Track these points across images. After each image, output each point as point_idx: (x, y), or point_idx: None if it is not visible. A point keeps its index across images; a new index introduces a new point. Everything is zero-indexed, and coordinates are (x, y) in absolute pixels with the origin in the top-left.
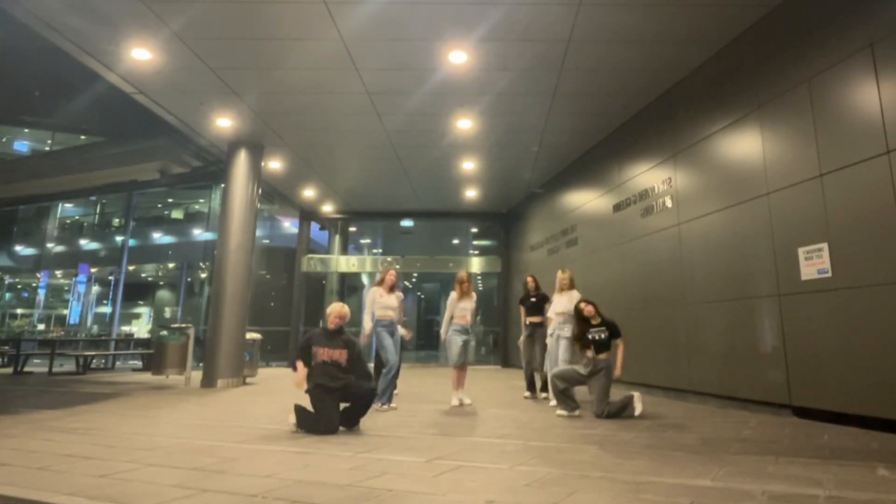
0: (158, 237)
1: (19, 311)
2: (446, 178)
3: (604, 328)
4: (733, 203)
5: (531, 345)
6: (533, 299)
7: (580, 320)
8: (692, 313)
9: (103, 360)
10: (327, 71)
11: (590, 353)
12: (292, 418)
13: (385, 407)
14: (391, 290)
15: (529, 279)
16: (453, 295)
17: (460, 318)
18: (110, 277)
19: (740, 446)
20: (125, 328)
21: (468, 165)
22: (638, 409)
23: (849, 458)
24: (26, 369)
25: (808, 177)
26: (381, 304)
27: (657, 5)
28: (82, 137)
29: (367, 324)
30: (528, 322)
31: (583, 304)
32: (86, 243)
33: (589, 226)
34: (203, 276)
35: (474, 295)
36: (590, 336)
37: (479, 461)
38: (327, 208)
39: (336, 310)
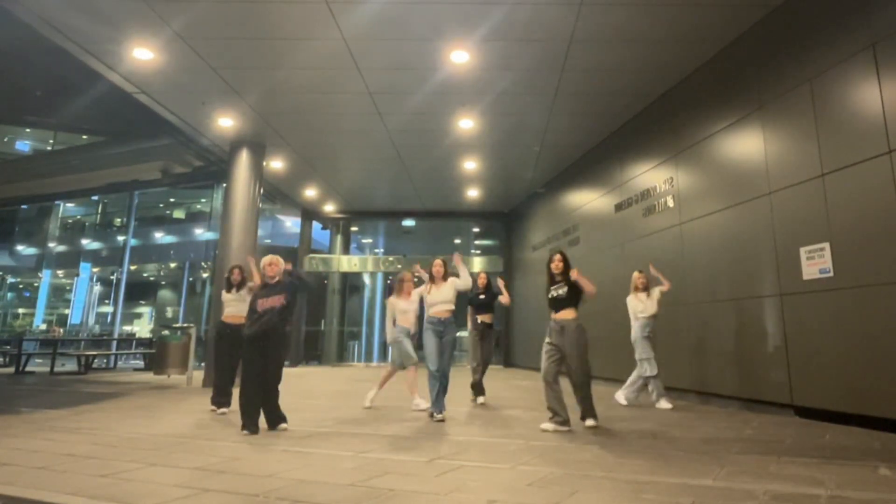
0: (160, 237)
1: (21, 310)
2: (448, 177)
3: (564, 285)
4: (735, 203)
5: (480, 345)
6: (482, 297)
7: (547, 272)
8: (694, 313)
9: (105, 360)
10: (329, 70)
11: (552, 315)
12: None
13: (438, 416)
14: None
15: (481, 276)
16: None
17: (403, 321)
18: (112, 277)
19: (742, 446)
20: (127, 328)
21: (470, 165)
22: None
23: (850, 457)
24: (28, 369)
25: (809, 176)
26: (428, 301)
27: (658, 5)
28: (84, 137)
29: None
30: (479, 321)
31: (557, 255)
32: (87, 243)
33: (591, 225)
34: (205, 275)
35: (415, 296)
36: (550, 293)
37: (480, 461)
38: (329, 208)
39: (266, 260)
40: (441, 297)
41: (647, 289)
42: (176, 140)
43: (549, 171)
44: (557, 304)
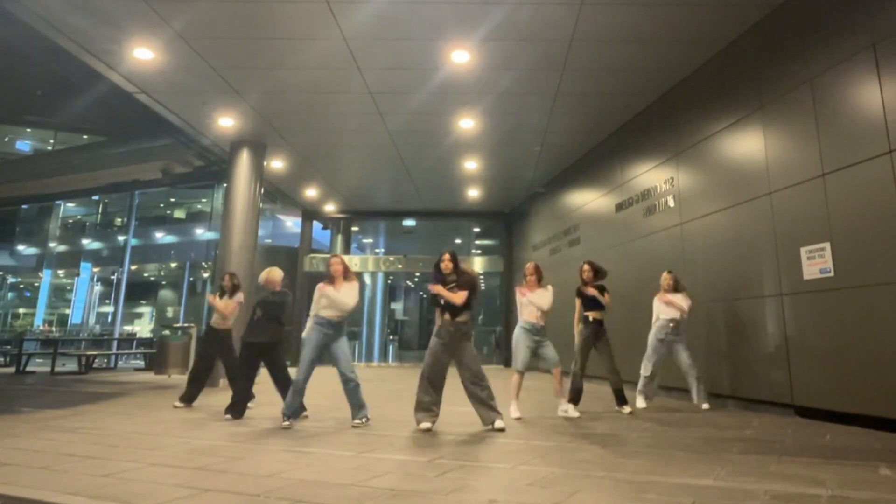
0: (161, 237)
1: (21, 310)
2: (449, 177)
3: (457, 287)
4: (736, 203)
5: (596, 347)
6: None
7: (435, 275)
8: (694, 313)
9: (105, 360)
10: (330, 70)
11: (444, 317)
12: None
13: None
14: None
15: (585, 267)
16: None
17: (529, 315)
18: (112, 277)
19: (743, 446)
20: (127, 328)
21: (471, 165)
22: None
23: (851, 457)
24: (28, 369)
25: (810, 176)
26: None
27: (658, 5)
28: (85, 137)
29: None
30: (590, 318)
31: (446, 255)
32: (88, 243)
33: (591, 225)
34: (205, 275)
35: (547, 288)
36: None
37: (481, 460)
38: (330, 207)
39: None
40: (335, 300)
41: (675, 290)
42: (176, 140)
43: (550, 171)
44: (453, 308)
